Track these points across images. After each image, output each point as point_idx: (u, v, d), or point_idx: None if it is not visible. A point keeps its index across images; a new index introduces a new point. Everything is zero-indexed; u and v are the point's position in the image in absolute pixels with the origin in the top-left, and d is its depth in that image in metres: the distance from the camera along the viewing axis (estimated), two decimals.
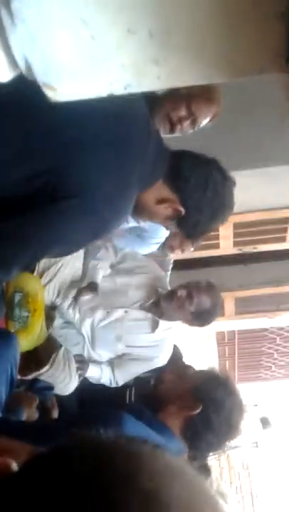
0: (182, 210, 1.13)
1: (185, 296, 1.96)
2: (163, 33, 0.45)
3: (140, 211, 1.16)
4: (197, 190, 1.11)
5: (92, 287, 1.98)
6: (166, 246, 2.61)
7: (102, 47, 0.45)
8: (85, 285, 1.98)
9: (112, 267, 2.10)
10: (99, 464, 0.32)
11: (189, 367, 2.48)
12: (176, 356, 2.39)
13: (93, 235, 1.11)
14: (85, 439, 0.36)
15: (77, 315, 1.98)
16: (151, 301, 2.06)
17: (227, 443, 1.28)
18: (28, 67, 0.47)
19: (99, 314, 1.98)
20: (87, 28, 0.44)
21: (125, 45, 0.45)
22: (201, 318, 2.00)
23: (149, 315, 2.03)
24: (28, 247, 1.02)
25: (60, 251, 1.15)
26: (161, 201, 1.13)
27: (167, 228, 1.30)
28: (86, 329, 1.97)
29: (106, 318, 1.99)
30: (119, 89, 0.48)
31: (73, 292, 2.01)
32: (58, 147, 0.96)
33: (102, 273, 2.04)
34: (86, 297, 1.96)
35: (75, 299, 1.93)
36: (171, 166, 1.12)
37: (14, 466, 0.36)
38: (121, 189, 1.04)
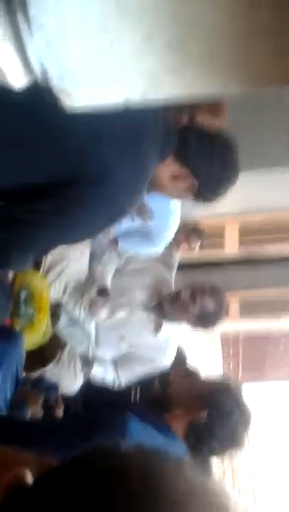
0: (196, 182, 1.21)
1: (189, 299, 1.95)
2: (181, 42, 0.45)
3: (157, 188, 1.22)
4: (205, 161, 1.19)
5: (104, 294, 1.99)
6: (174, 246, 2.61)
7: (120, 54, 0.45)
8: (94, 292, 1.99)
9: (117, 270, 2.11)
10: (116, 482, 0.32)
11: (195, 370, 2.48)
12: (180, 358, 2.39)
13: (110, 220, 1.16)
14: (103, 451, 0.36)
15: (82, 314, 1.99)
16: (155, 302, 2.05)
17: (229, 451, 1.28)
18: (44, 73, 0.47)
19: (103, 314, 1.99)
20: (105, 35, 0.44)
21: (143, 53, 0.45)
22: (204, 321, 1.99)
23: (153, 316, 2.03)
24: (47, 234, 1.06)
25: (78, 237, 1.20)
26: (175, 177, 1.21)
27: (184, 198, 1.36)
28: (91, 328, 1.98)
29: (110, 317, 1.99)
30: (136, 97, 0.48)
31: (79, 291, 2.01)
32: (76, 142, 0.99)
33: (110, 277, 2.05)
34: (103, 310, 1.99)
35: (90, 309, 1.95)
36: (178, 142, 1.18)
37: (29, 477, 0.36)
38: (136, 177, 1.09)
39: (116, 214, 1.13)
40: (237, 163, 1.25)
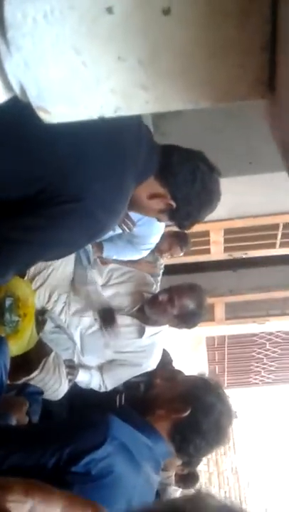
0: (173, 203, 1.20)
1: (167, 300, 1.97)
2: (151, 61, 0.48)
3: (134, 206, 1.22)
4: (186, 183, 1.19)
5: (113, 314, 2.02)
6: (156, 251, 2.63)
7: (94, 73, 0.48)
8: (99, 312, 2.01)
9: (102, 286, 2.12)
10: None
11: (180, 372, 2.50)
12: (165, 361, 2.40)
13: (89, 237, 1.17)
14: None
15: (68, 321, 1.99)
16: (137, 306, 2.07)
17: (215, 447, 1.29)
18: (23, 92, 0.50)
19: (87, 321, 2.00)
20: (79, 56, 0.47)
21: (116, 72, 0.48)
22: (185, 320, 2.00)
23: (136, 321, 2.04)
24: (25, 250, 1.06)
25: (57, 253, 1.20)
26: (153, 196, 1.20)
27: (160, 221, 1.37)
28: (75, 335, 1.99)
29: (94, 325, 2.00)
30: (109, 112, 0.50)
31: (64, 297, 2.02)
32: (55, 159, 1.00)
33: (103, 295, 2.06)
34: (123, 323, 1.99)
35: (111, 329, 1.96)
36: (160, 161, 1.18)
37: None
38: (115, 193, 1.09)
39: (96, 231, 1.12)
40: (218, 191, 1.25)
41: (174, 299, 1.96)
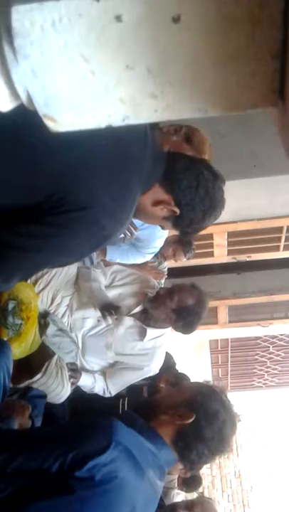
0: (177, 210, 1.20)
1: (166, 294, 1.98)
2: (160, 69, 0.47)
3: (138, 213, 1.21)
4: (190, 190, 1.18)
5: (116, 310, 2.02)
6: (160, 255, 2.63)
7: (102, 82, 0.47)
8: (100, 309, 2.00)
9: (106, 287, 2.12)
10: None
11: (185, 376, 2.50)
12: (169, 364, 2.40)
13: (94, 245, 1.16)
14: None
15: (70, 323, 1.99)
16: (140, 307, 2.07)
17: (218, 455, 1.29)
18: (30, 100, 0.49)
19: (89, 323, 1.99)
20: (87, 65, 0.46)
21: (124, 81, 0.47)
22: (183, 316, 1.98)
23: (138, 322, 2.04)
24: (30, 257, 1.06)
25: (62, 261, 1.20)
26: (157, 203, 1.20)
27: (163, 228, 1.36)
28: (78, 338, 1.98)
29: (96, 326, 2.00)
30: (117, 121, 0.50)
31: (67, 300, 2.01)
32: (61, 169, 1.00)
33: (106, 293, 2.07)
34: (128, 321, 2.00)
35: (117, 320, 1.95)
36: (165, 168, 1.18)
37: None
38: (120, 202, 1.09)
39: (101, 239, 1.12)
40: (222, 199, 1.25)
41: (174, 294, 1.97)
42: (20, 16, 0.43)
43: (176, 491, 2.57)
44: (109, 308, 1.99)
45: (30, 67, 0.46)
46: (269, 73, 0.48)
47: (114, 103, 0.48)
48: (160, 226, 1.34)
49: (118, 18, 0.44)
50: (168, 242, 2.58)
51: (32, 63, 0.46)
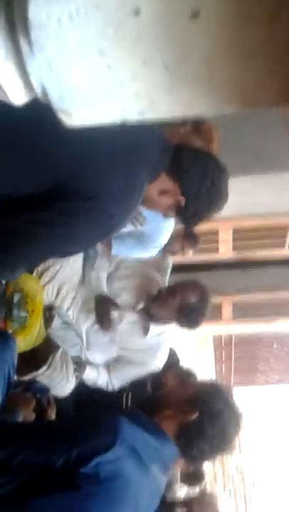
0: (182, 199, 1.21)
1: (169, 293, 1.97)
2: (177, 64, 0.46)
3: (144, 201, 1.22)
4: (196, 180, 1.20)
5: (114, 304, 2.01)
6: (168, 251, 2.62)
7: (118, 77, 0.47)
8: (93, 297, 2.00)
9: (108, 275, 2.12)
10: None
11: (191, 373, 2.50)
12: (172, 360, 2.40)
13: (102, 234, 1.17)
14: None
15: (75, 317, 1.99)
16: (143, 303, 2.07)
17: (220, 453, 1.29)
18: (44, 93, 0.49)
19: (93, 316, 1.99)
20: (104, 58, 0.45)
21: (140, 75, 0.46)
22: (186, 314, 1.98)
23: (141, 318, 2.04)
24: (37, 246, 1.07)
25: (70, 250, 1.21)
26: (163, 192, 1.22)
27: (167, 216, 1.37)
28: (82, 331, 1.99)
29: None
30: (132, 116, 0.49)
31: (72, 293, 2.02)
32: (69, 158, 1.01)
33: (104, 282, 2.06)
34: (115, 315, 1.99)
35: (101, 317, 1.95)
36: (172, 159, 1.19)
37: None
38: (128, 191, 1.10)
39: (109, 228, 1.13)
40: (226, 190, 1.27)
41: (177, 292, 1.97)
42: (36, 8, 0.43)
43: (179, 485, 2.58)
44: (99, 310, 1.99)
45: (46, 60, 0.45)
46: (286, 72, 0.47)
47: (130, 98, 0.48)
48: (163, 214, 1.35)
49: (136, 12, 0.43)
50: (176, 238, 2.57)
51: (48, 56, 0.45)
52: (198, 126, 1.67)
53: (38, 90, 0.49)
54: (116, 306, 2.02)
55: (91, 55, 0.45)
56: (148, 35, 0.44)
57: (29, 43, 0.45)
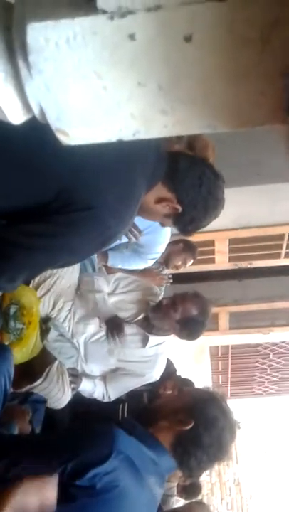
0: (179, 207, 1.22)
1: (170, 305, 1.98)
2: (171, 86, 0.48)
3: (141, 211, 1.22)
4: (192, 188, 1.21)
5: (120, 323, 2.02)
6: (171, 266, 2.64)
7: (114, 98, 0.48)
8: (107, 322, 2.01)
9: (108, 295, 2.12)
10: None
11: (190, 383, 2.48)
12: (169, 371, 2.39)
13: (99, 245, 1.18)
14: None
15: (72, 329, 1.99)
16: (142, 315, 2.07)
17: (217, 462, 1.29)
18: (42, 114, 0.50)
19: (91, 329, 1.99)
20: (100, 81, 0.47)
21: (136, 97, 0.48)
22: (188, 326, 1.99)
23: (140, 330, 2.04)
24: (36, 256, 1.08)
25: (67, 260, 1.21)
26: (159, 200, 1.22)
27: (164, 225, 1.38)
28: (80, 343, 1.98)
29: (99, 332, 2.00)
30: (128, 136, 0.51)
31: (69, 305, 2.02)
32: (67, 170, 1.02)
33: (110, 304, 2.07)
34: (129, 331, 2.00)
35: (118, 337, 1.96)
36: (168, 167, 1.20)
37: None
38: (125, 202, 1.11)
39: (106, 239, 1.14)
40: (222, 198, 1.28)
41: (178, 305, 1.97)
42: (35, 32, 0.44)
43: (176, 498, 2.56)
44: (113, 327, 1.99)
45: (43, 82, 0.47)
46: (279, 91, 0.49)
47: (126, 118, 0.49)
48: (160, 223, 1.36)
49: (131, 37, 0.44)
50: (176, 252, 2.60)
51: (46, 78, 0.47)
52: (192, 142, 1.69)
53: (36, 111, 0.50)
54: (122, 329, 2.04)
55: (88, 77, 0.47)
56: (143, 59, 0.46)
57: (28, 66, 0.46)
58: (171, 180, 1.20)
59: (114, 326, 1.99)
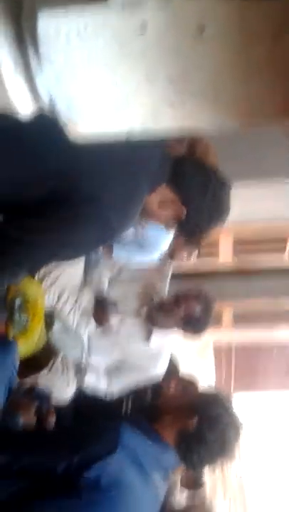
0: (184, 211, 1.21)
1: (173, 302, 1.98)
2: (181, 79, 0.48)
3: (145, 212, 1.22)
4: (198, 193, 1.20)
5: (113, 305, 2.02)
6: (176, 259, 2.64)
7: (123, 90, 0.48)
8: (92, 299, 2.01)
9: (110, 280, 2.13)
10: None
11: (193, 381, 2.49)
12: (173, 367, 2.40)
13: (101, 240, 1.19)
14: None
15: (76, 321, 2.00)
16: (146, 310, 2.07)
17: (219, 460, 1.29)
18: (52, 104, 0.50)
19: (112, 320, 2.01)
20: (110, 74, 0.47)
21: (145, 89, 0.48)
22: (191, 324, 2.00)
23: (144, 323, 2.05)
24: (37, 251, 1.08)
25: (69, 255, 1.22)
26: (164, 203, 1.21)
27: (168, 229, 1.37)
28: (84, 336, 1.99)
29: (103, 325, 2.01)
30: (136, 128, 0.51)
31: (74, 297, 2.03)
32: (70, 166, 1.02)
33: (106, 286, 2.07)
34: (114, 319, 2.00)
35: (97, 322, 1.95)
36: (173, 171, 1.19)
37: None
38: (128, 198, 1.11)
39: (108, 235, 1.14)
40: (228, 204, 1.26)
41: (181, 302, 1.97)
42: (45, 24, 0.44)
43: (179, 491, 2.57)
44: (99, 312, 2.00)
45: (54, 73, 0.47)
46: (287, 90, 0.48)
47: (134, 110, 0.49)
48: (165, 227, 1.35)
49: (142, 29, 0.44)
50: (179, 247, 2.59)
51: (56, 70, 0.47)
52: (193, 144, 1.68)
53: (46, 101, 0.50)
54: (114, 305, 2.03)
55: (98, 69, 0.47)
56: (153, 52, 0.46)
57: (38, 57, 0.46)
58: (177, 185, 1.19)
59: (99, 310, 1.99)
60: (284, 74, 0.48)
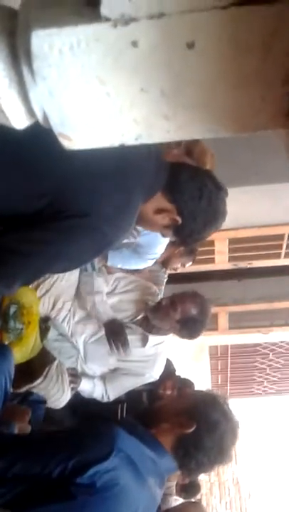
0: (179, 219, 1.20)
1: (169, 305, 1.98)
2: (174, 92, 0.48)
3: (140, 220, 1.22)
4: (193, 200, 1.19)
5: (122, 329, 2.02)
6: (169, 268, 2.64)
7: (116, 103, 0.49)
8: (105, 325, 2.00)
9: (107, 295, 2.12)
10: None
11: (190, 383, 2.49)
12: (169, 371, 2.40)
13: (95, 251, 1.18)
14: None
15: (71, 329, 2.00)
16: (142, 315, 2.07)
17: (217, 465, 1.29)
18: (46, 119, 0.50)
19: (91, 328, 2.00)
20: (103, 87, 0.47)
21: (138, 102, 0.48)
22: (187, 326, 1.99)
23: (140, 329, 2.04)
24: (32, 263, 1.07)
25: (64, 266, 1.21)
26: (159, 211, 1.21)
27: (164, 236, 1.37)
28: (79, 343, 1.99)
29: (98, 332, 2.00)
30: (130, 141, 0.51)
31: (68, 305, 2.02)
32: (64, 176, 1.02)
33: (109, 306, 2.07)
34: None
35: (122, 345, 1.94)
36: (168, 178, 1.18)
37: None
38: (123, 210, 1.10)
39: (102, 246, 1.13)
40: (224, 210, 1.26)
41: (177, 304, 1.97)
42: (39, 40, 0.45)
43: (175, 497, 2.57)
44: (114, 337, 1.98)
45: (47, 88, 0.47)
46: (279, 97, 0.49)
47: (128, 123, 0.49)
48: (160, 234, 1.35)
49: (134, 44, 0.45)
50: (174, 254, 2.60)
51: (49, 84, 0.47)
52: (190, 148, 1.68)
53: (40, 116, 0.50)
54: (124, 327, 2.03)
55: (91, 83, 0.47)
56: (145, 65, 0.46)
57: (32, 72, 0.47)
58: (171, 191, 1.18)
59: (114, 334, 1.98)
60: (275, 84, 0.49)
